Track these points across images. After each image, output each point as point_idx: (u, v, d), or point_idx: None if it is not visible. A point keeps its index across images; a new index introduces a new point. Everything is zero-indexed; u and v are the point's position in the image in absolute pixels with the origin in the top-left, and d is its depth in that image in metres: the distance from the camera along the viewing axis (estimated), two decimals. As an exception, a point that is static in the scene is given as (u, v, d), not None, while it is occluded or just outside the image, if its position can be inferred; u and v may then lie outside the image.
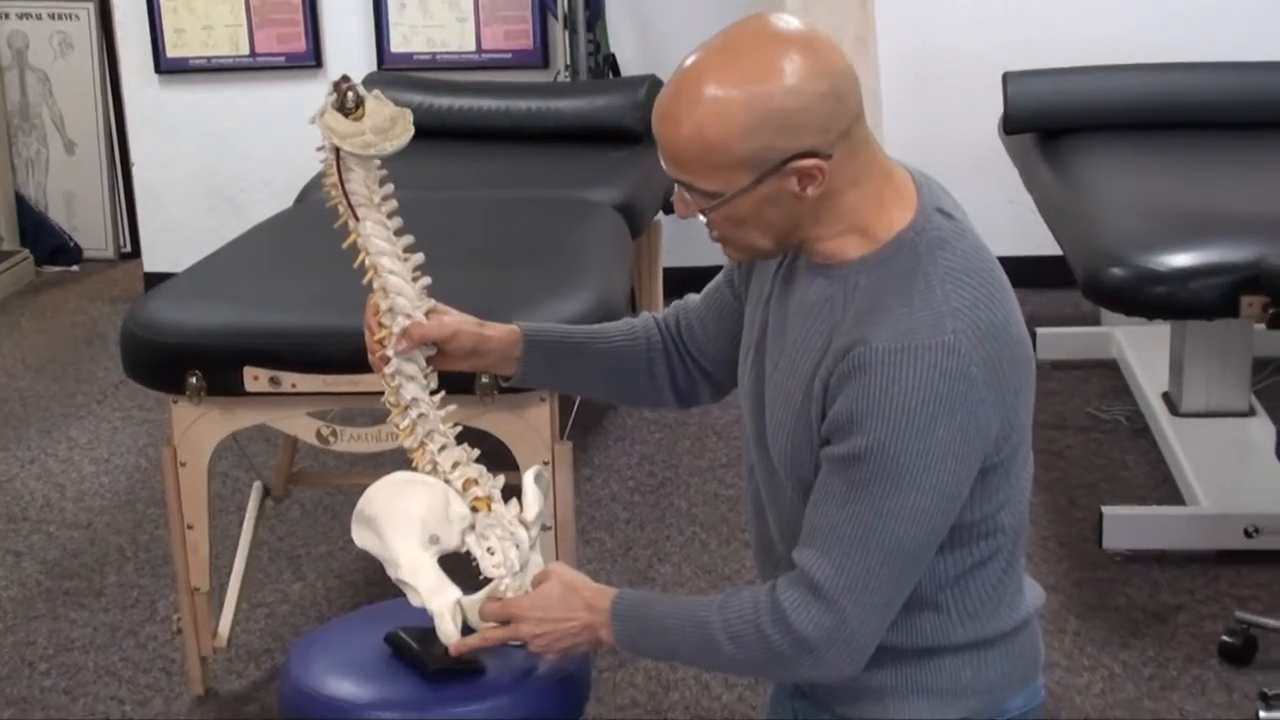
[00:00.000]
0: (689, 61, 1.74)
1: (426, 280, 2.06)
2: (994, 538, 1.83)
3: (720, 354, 2.09)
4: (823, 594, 1.74)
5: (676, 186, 1.79)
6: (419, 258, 2.05)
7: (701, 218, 1.79)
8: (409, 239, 2.05)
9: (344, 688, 2.09)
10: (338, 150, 1.97)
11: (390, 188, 2.04)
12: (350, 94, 1.94)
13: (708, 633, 1.82)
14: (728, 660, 1.84)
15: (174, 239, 5.99)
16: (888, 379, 1.68)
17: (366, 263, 2.04)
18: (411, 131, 1.98)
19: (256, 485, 3.74)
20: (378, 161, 2.00)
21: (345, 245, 2.05)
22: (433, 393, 2.08)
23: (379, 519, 2.06)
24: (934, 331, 1.69)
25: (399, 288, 2.04)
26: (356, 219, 2.02)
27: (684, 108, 1.72)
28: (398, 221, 2.05)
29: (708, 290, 2.11)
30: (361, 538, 2.09)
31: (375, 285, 2.05)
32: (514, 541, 2.02)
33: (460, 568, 2.06)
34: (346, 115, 1.95)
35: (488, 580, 2.02)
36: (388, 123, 1.96)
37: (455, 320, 2.07)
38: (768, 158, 1.71)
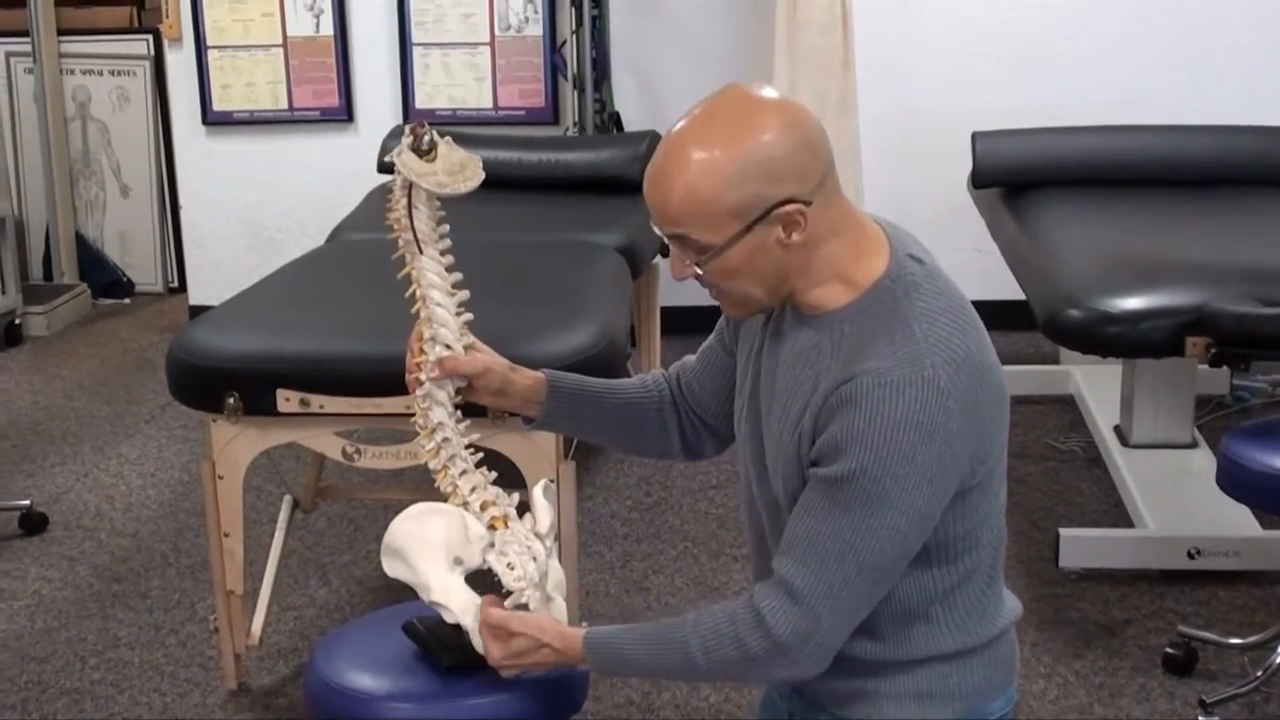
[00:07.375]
0: (674, 130, 1.75)
1: (469, 316, 2.05)
2: (976, 552, 1.83)
3: (719, 409, 2.07)
4: (801, 600, 1.73)
5: (672, 249, 1.78)
6: (464, 294, 2.04)
7: (698, 272, 1.78)
8: (458, 276, 2.03)
9: (363, 680, 2.08)
10: (410, 187, 1.95)
11: (446, 228, 2.02)
12: (426, 137, 1.93)
13: (684, 652, 1.81)
14: (702, 673, 1.83)
15: (217, 274, 5.98)
16: (873, 410, 1.68)
17: (418, 294, 2.02)
18: (481, 176, 1.95)
19: (287, 498, 3.73)
20: (438, 202, 1.99)
21: (400, 275, 2.03)
22: (458, 421, 2.07)
23: (406, 549, 2.04)
24: (914, 367, 1.69)
25: (443, 319, 2.02)
26: (419, 252, 2.00)
27: (674, 170, 1.72)
28: (450, 259, 2.03)
29: (702, 350, 2.09)
30: (392, 568, 2.06)
31: (422, 314, 2.03)
32: (531, 555, 2.01)
33: (486, 583, 2.03)
34: (420, 157, 1.93)
35: (510, 593, 1.99)
36: (458, 166, 1.94)
37: (488, 359, 2.05)
38: (754, 206, 1.71)
